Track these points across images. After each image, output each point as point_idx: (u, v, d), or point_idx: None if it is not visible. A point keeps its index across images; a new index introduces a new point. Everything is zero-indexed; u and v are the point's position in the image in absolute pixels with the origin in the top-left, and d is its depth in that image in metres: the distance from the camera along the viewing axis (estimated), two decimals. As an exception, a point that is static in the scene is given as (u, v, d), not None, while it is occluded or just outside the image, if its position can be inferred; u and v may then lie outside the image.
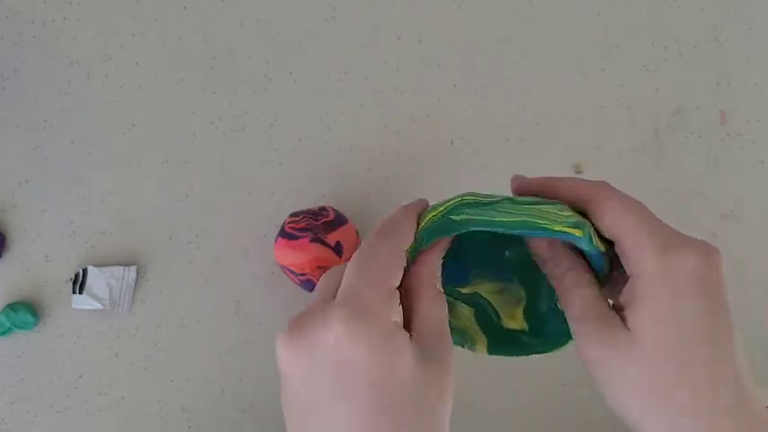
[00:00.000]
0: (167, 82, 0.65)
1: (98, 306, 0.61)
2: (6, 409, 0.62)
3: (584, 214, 0.30)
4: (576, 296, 0.30)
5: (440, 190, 0.68)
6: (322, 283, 0.29)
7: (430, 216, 0.30)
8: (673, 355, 0.26)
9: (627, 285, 0.28)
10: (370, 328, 0.25)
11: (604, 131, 0.70)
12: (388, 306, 0.26)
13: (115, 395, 0.63)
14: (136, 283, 0.63)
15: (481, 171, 0.68)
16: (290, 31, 0.67)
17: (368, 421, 0.25)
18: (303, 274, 0.58)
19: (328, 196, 0.66)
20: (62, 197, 0.63)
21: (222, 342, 0.64)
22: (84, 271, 0.62)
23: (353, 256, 0.28)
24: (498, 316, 0.35)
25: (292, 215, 0.60)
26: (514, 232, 0.28)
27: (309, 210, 0.60)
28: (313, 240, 0.57)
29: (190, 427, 0.64)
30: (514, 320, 0.35)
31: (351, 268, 0.28)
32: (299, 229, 0.58)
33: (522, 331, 0.34)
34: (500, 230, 0.28)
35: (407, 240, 0.29)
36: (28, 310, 0.61)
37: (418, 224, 0.30)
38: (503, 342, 0.34)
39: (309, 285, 0.60)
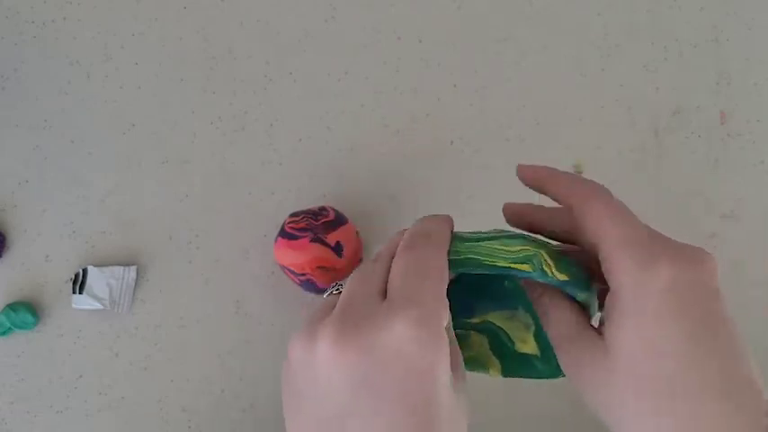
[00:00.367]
0: (167, 82, 0.65)
1: (98, 306, 0.61)
2: (6, 409, 0.62)
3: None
4: (552, 317, 0.30)
5: (440, 190, 0.68)
6: (359, 279, 0.27)
7: None
8: (641, 369, 0.26)
9: (607, 298, 0.28)
10: (436, 336, 0.25)
11: (604, 131, 0.70)
12: (445, 316, 0.26)
13: (115, 395, 0.63)
14: (136, 283, 0.63)
15: (481, 171, 0.68)
16: (290, 31, 0.67)
17: (419, 427, 0.24)
18: (303, 274, 0.58)
19: (328, 196, 0.66)
20: (62, 197, 0.63)
21: (222, 342, 0.64)
22: (84, 271, 0.62)
23: (402, 257, 0.27)
24: (512, 341, 0.35)
25: (292, 215, 0.60)
26: (463, 270, 0.28)
27: (309, 210, 0.60)
28: (313, 240, 0.57)
29: (190, 427, 0.64)
30: (527, 345, 0.35)
31: (404, 269, 0.26)
32: (299, 229, 0.58)
33: (535, 356, 0.35)
34: (454, 271, 0.28)
35: (446, 249, 0.28)
36: (28, 310, 0.61)
37: None
38: (517, 365, 0.35)
39: (309, 285, 0.60)
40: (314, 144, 0.66)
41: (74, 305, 0.62)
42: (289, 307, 0.65)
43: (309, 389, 0.26)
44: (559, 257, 0.29)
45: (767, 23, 0.72)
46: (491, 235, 0.30)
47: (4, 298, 0.62)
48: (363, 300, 0.26)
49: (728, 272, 0.70)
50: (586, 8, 0.70)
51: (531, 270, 0.28)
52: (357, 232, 0.61)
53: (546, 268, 0.28)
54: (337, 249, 0.58)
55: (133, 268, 0.63)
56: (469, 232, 0.30)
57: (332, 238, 0.58)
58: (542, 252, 0.29)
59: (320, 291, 0.60)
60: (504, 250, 0.28)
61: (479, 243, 0.29)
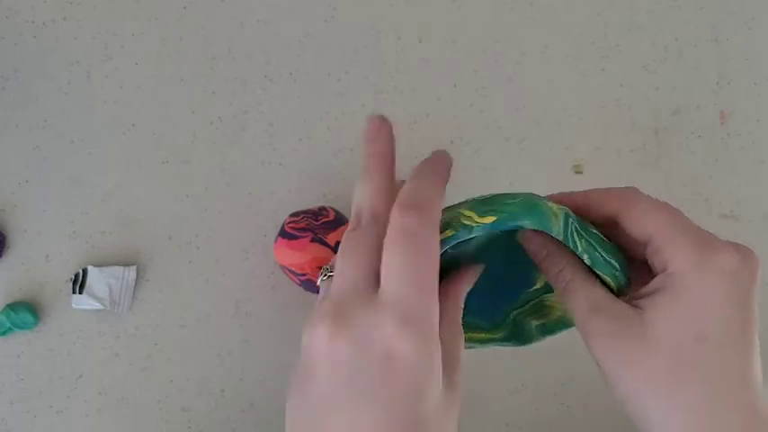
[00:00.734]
0: (167, 82, 0.65)
1: (98, 306, 0.61)
2: (6, 409, 0.62)
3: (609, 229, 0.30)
4: (578, 288, 0.29)
5: (440, 190, 0.68)
6: (347, 259, 0.27)
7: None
8: (697, 348, 0.26)
9: (657, 278, 0.28)
10: (421, 342, 0.25)
11: (604, 131, 0.70)
12: (436, 318, 0.26)
13: (115, 395, 0.63)
14: (136, 283, 0.63)
15: (481, 171, 0.68)
16: (290, 31, 0.67)
17: (401, 427, 0.24)
18: (303, 274, 0.58)
19: (328, 196, 0.66)
20: (62, 197, 0.63)
21: (222, 342, 0.64)
22: (84, 271, 0.62)
23: (393, 244, 0.26)
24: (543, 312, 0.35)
25: (292, 215, 0.60)
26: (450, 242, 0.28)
27: (309, 210, 0.60)
28: (313, 240, 0.57)
29: (190, 427, 0.64)
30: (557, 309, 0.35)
31: (397, 265, 0.25)
32: (299, 229, 0.58)
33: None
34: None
35: (439, 218, 0.27)
36: (28, 310, 0.61)
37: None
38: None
39: (309, 285, 0.60)
40: (314, 144, 0.66)
41: (74, 305, 0.62)
42: (289, 307, 0.65)
43: (308, 373, 0.26)
44: (587, 227, 0.29)
45: (767, 23, 0.72)
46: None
47: (4, 298, 0.62)
48: (356, 288, 0.26)
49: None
50: (586, 8, 0.70)
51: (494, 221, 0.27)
52: (357, 232, 0.61)
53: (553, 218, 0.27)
54: (337, 249, 0.58)
55: (133, 268, 0.63)
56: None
57: (332, 238, 0.58)
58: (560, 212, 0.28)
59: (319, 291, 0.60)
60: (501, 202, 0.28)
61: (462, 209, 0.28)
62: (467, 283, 0.30)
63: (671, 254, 0.27)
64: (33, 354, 0.62)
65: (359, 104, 0.67)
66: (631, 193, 0.30)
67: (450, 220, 0.28)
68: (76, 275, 0.62)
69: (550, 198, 0.31)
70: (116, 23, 0.65)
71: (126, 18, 0.65)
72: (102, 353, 0.63)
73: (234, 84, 0.66)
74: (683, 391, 0.26)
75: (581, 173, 0.69)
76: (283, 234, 0.59)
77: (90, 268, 0.62)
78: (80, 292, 0.61)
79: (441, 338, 0.27)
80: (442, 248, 0.27)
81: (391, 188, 0.28)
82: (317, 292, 0.65)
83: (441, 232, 0.27)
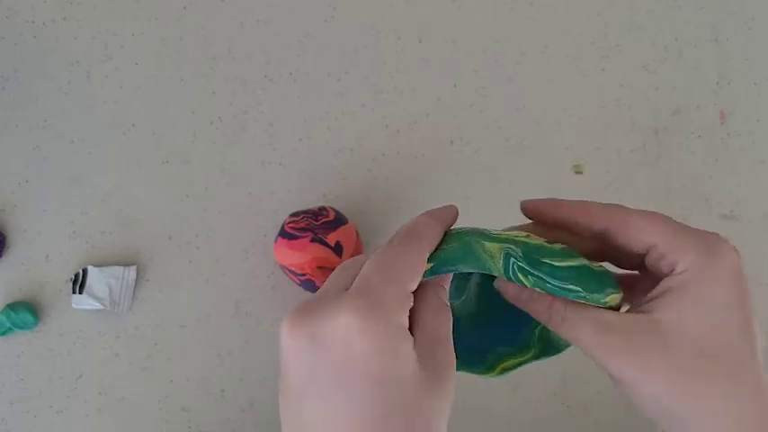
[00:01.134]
0: (167, 82, 0.65)
1: (98, 306, 0.61)
2: (6, 409, 0.62)
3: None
4: (577, 317, 0.29)
5: (440, 190, 0.68)
6: (335, 274, 0.29)
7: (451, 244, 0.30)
8: (714, 339, 0.27)
9: (665, 280, 0.28)
10: (381, 326, 0.25)
11: (604, 131, 0.70)
12: (401, 307, 0.26)
13: (115, 395, 0.63)
14: (136, 283, 0.63)
15: (481, 171, 0.68)
16: (290, 31, 0.67)
17: (364, 417, 0.25)
18: (303, 274, 0.58)
19: (328, 196, 0.66)
20: (62, 197, 0.63)
21: (222, 342, 0.64)
22: (84, 271, 0.62)
23: (375, 253, 0.28)
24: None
25: (292, 215, 0.60)
26: (446, 268, 0.28)
27: (309, 210, 0.60)
28: (313, 240, 0.57)
29: (190, 427, 0.64)
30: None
31: (370, 263, 0.27)
32: (299, 229, 0.58)
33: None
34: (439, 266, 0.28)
35: (431, 245, 0.29)
36: (28, 310, 0.61)
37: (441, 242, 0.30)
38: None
39: (309, 285, 0.60)
40: (314, 144, 0.66)
41: (74, 305, 0.62)
42: (289, 307, 0.65)
43: (282, 371, 0.27)
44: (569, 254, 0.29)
45: (767, 23, 0.72)
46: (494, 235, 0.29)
47: (4, 298, 0.62)
48: (329, 292, 0.27)
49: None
50: (586, 8, 0.70)
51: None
52: (357, 232, 0.61)
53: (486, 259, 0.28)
54: (337, 249, 0.58)
55: (133, 268, 0.63)
56: (487, 230, 0.30)
57: (332, 238, 0.58)
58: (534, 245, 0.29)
59: (320, 291, 0.60)
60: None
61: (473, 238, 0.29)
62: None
63: (679, 255, 0.28)
64: (33, 354, 0.62)
65: (359, 104, 0.67)
66: (620, 210, 0.31)
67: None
68: (76, 275, 0.62)
69: (528, 209, 0.32)
70: (116, 23, 0.65)
71: (126, 18, 0.65)
72: (102, 353, 0.63)
73: (234, 84, 0.66)
74: (708, 384, 0.27)
75: (581, 173, 0.69)
76: (283, 234, 0.59)
77: (90, 268, 0.62)
78: (80, 292, 0.61)
79: (420, 321, 0.28)
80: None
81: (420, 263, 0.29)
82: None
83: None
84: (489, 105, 0.69)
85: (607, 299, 0.28)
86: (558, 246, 0.30)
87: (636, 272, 0.32)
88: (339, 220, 0.60)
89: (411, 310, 0.28)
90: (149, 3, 0.65)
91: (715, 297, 0.27)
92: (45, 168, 0.63)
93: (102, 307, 0.62)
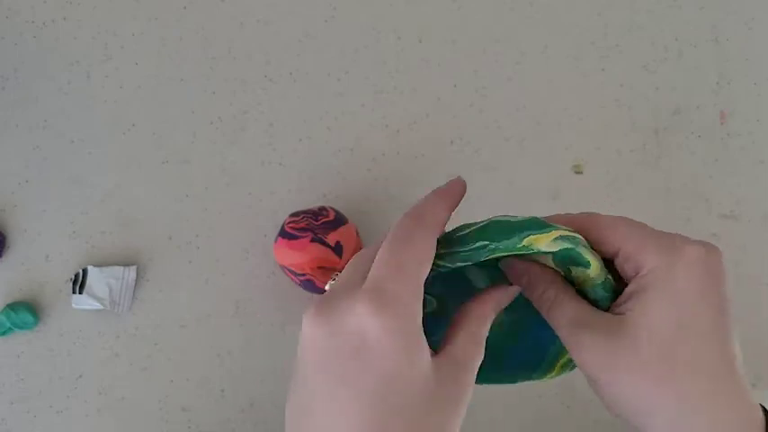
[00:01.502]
0: (167, 82, 0.65)
1: (98, 306, 0.61)
2: (6, 409, 0.62)
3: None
4: (561, 309, 0.30)
5: (440, 190, 0.68)
6: (351, 265, 0.29)
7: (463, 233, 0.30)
8: (679, 336, 0.27)
9: (631, 283, 0.29)
10: (394, 323, 0.25)
11: (604, 131, 0.70)
12: (415, 304, 0.26)
13: (115, 395, 0.63)
14: (136, 283, 0.63)
15: (481, 171, 0.68)
16: (290, 31, 0.67)
17: (370, 413, 0.25)
18: (303, 274, 0.58)
19: (328, 196, 0.66)
20: (62, 197, 0.63)
21: (222, 342, 0.64)
22: (84, 271, 0.62)
23: (386, 241, 0.28)
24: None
25: (292, 215, 0.60)
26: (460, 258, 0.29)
27: (309, 210, 0.60)
28: (313, 240, 0.57)
29: (190, 427, 0.64)
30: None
31: (382, 255, 0.27)
32: (299, 229, 0.58)
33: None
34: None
35: (440, 230, 0.29)
36: (28, 310, 0.61)
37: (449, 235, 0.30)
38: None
39: (309, 285, 0.60)
40: (314, 144, 0.66)
41: (74, 305, 0.62)
42: (289, 307, 0.65)
43: (298, 363, 0.28)
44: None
45: (767, 23, 0.72)
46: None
47: (4, 298, 0.62)
48: (346, 285, 0.27)
49: (728, 272, 0.69)
50: (586, 8, 0.70)
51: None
52: (357, 232, 0.61)
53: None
54: (337, 249, 0.58)
55: (133, 268, 0.63)
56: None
57: (332, 238, 0.58)
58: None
59: (320, 291, 0.60)
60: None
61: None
62: (493, 300, 0.31)
63: (643, 257, 0.28)
64: (33, 354, 0.62)
65: (359, 104, 0.67)
66: (592, 215, 0.31)
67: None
68: (76, 275, 0.62)
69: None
70: (116, 23, 0.65)
71: (126, 18, 0.65)
72: (102, 353, 0.63)
73: (234, 84, 0.66)
74: (678, 380, 0.27)
75: (581, 173, 0.69)
76: (283, 234, 0.59)
77: (90, 268, 0.62)
78: (80, 292, 0.61)
79: (452, 339, 0.28)
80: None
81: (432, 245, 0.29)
82: (317, 293, 0.65)
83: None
84: (489, 105, 0.69)
85: (524, 242, 0.28)
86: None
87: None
88: (339, 220, 0.60)
89: (449, 327, 0.29)
90: (149, 3, 0.65)
91: (678, 295, 0.27)
92: (45, 168, 0.63)
93: (102, 307, 0.62)
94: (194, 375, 0.64)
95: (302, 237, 0.58)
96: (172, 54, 0.65)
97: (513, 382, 0.35)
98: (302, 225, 0.58)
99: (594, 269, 0.29)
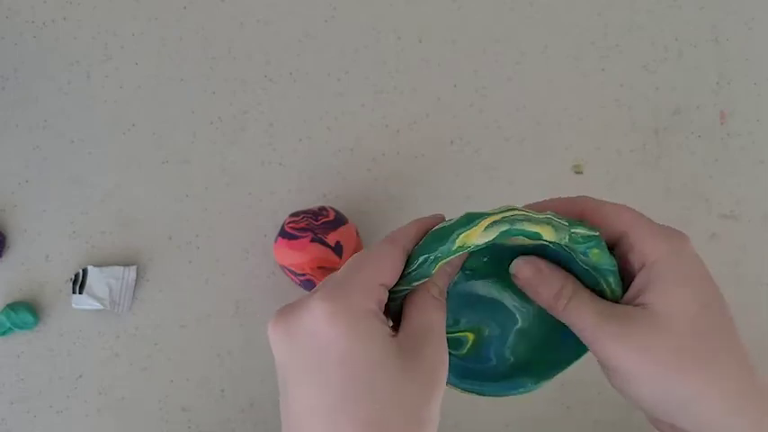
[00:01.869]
0: (167, 82, 0.65)
1: (98, 306, 0.61)
2: (6, 409, 0.62)
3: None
4: (583, 303, 0.30)
5: (440, 190, 0.68)
6: (326, 277, 0.31)
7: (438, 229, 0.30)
8: (696, 322, 0.28)
9: (640, 274, 0.30)
10: (343, 309, 0.26)
11: (604, 131, 0.70)
12: (368, 295, 0.27)
13: (115, 395, 0.63)
14: (136, 283, 0.63)
15: (481, 171, 0.68)
16: (290, 31, 0.67)
17: (335, 395, 0.26)
18: (303, 274, 0.58)
19: (328, 196, 0.66)
20: (62, 197, 0.63)
21: (222, 342, 0.64)
22: (84, 271, 0.62)
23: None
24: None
25: (292, 215, 0.60)
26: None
27: (309, 210, 0.60)
28: (313, 240, 0.57)
29: (190, 427, 0.64)
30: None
31: (347, 262, 0.29)
32: (299, 229, 0.58)
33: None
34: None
35: (407, 246, 0.30)
36: (28, 310, 0.61)
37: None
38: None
39: (309, 285, 0.60)
40: (314, 144, 0.66)
41: (74, 305, 0.62)
42: (289, 307, 0.65)
43: (276, 367, 0.29)
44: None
45: (767, 23, 0.72)
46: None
47: (4, 298, 0.62)
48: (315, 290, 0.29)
49: (728, 272, 0.70)
50: (586, 8, 0.70)
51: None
52: (357, 232, 0.61)
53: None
54: (337, 249, 0.58)
55: (133, 268, 0.63)
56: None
57: (332, 238, 0.58)
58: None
59: (320, 291, 0.60)
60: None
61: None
62: (444, 267, 0.31)
63: (648, 247, 0.29)
64: (33, 354, 0.62)
65: (359, 104, 0.67)
66: (590, 200, 0.32)
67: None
68: (76, 275, 0.62)
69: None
70: (116, 23, 0.65)
71: (126, 18, 0.65)
72: (102, 353, 0.63)
73: (234, 84, 0.66)
74: (708, 362, 0.28)
75: (581, 173, 0.69)
76: (283, 234, 0.59)
77: (90, 268, 0.62)
78: (80, 292, 0.61)
79: (405, 315, 0.29)
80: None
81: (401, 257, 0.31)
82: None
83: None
84: (489, 105, 0.69)
85: (457, 243, 0.28)
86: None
87: None
88: (339, 220, 0.60)
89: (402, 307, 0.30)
90: (149, 3, 0.65)
91: (692, 280, 0.29)
92: (45, 168, 0.63)
93: (102, 307, 0.62)
94: (194, 375, 0.64)
95: (302, 237, 0.58)
96: (172, 54, 0.65)
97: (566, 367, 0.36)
98: (302, 225, 0.58)
99: (548, 234, 0.28)
